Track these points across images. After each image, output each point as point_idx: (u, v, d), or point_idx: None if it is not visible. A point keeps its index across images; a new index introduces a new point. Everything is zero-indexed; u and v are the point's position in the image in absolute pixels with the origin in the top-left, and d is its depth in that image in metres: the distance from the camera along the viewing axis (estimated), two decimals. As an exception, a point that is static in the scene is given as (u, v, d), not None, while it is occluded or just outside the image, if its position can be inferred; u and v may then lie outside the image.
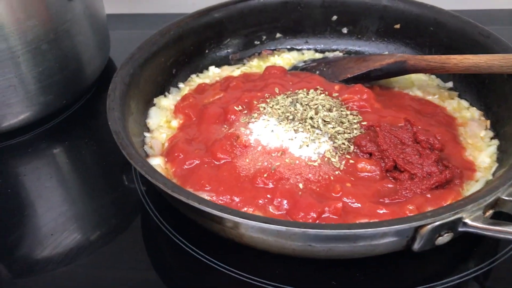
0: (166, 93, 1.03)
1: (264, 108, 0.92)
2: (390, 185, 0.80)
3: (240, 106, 0.94)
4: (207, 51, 1.11)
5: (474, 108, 0.97)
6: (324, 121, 0.87)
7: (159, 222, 0.84)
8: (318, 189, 0.79)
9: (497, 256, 0.77)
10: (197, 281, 0.77)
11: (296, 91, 0.96)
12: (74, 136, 1.04)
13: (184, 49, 1.07)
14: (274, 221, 0.64)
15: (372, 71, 0.98)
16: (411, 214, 0.73)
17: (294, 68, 1.10)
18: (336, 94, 0.96)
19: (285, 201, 0.77)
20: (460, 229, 0.67)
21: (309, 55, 1.15)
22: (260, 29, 1.15)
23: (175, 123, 0.96)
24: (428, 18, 1.06)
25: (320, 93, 0.95)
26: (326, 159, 0.83)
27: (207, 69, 1.11)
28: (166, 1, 1.46)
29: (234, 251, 0.77)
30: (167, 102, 1.00)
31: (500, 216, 0.71)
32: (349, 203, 0.77)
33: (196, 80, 1.09)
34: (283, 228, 0.63)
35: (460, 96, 1.01)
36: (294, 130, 0.86)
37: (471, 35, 0.98)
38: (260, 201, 0.78)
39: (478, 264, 0.76)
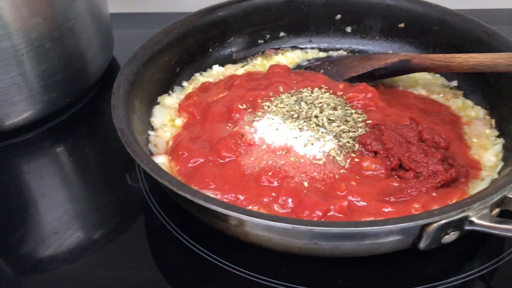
0: (170, 92, 1.03)
1: (269, 106, 0.92)
2: (395, 184, 0.80)
3: (244, 105, 0.93)
4: (211, 50, 1.11)
5: (479, 107, 0.97)
6: (329, 119, 0.87)
7: (163, 220, 0.84)
8: (323, 188, 0.79)
9: (503, 255, 0.77)
10: (201, 279, 0.76)
11: (301, 89, 0.96)
12: (77, 135, 1.04)
13: (188, 47, 1.06)
14: (280, 219, 0.64)
15: (377, 70, 0.98)
16: (417, 213, 0.73)
17: (298, 67, 1.10)
18: (341, 92, 0.96)
19: (290, 200, 0.77)
20: (466, 228, 0.67)
21: (313, 54, 1.15)
22: (264, 28, 1.15)
23: (179, 122, 0.96)
24: (432, 17, 1.05)
25: (325, 92, 0.95)
26: (331, 157, 0.83)
27: (210, 67, 1.11)
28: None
29: (239, 249, 0.77)
30: (171, 101, 1.00)
31: (506, 215, 0.70)
32: (354, 202, 0.77)
33: (200, 78, 1.08)
34: (289, 226, 0.63)
35: (464, 95, 1.01)
36: (299, 128, 0.86)
37: (476, 34, 0.98)
38: (265, 200, 0.77)
39: (483, 263, 0.76)
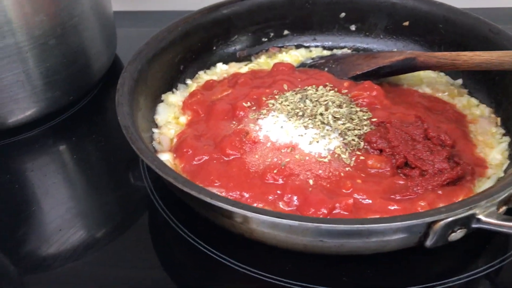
0: (174, 90, 1.03)
1: (273, 104, 0.91)
2: (401, 182, 0.79)
3: (248, 103, 0.93)
4: (214, 48, 1.11)
5: (484, 105, 0.97)
6: (334, 117, 0.87)
7: (167, 218, 0.83)
8: (328, 185, 0.79)
9: (509, 254, 0.77)
10: (205, 277, 0.76)
11: (305, 87, 0.96)
12: (81, 133, 1.04)
13: (191, 45, 1.06)
14: (286, 216, 0.64)
15: (382, 68, 0.98)
16: (423, 211, 0.72)
17: (302, 65, 1.10)
18: (345, 90, 0.96)
19: (295, 197, 0.76)
20: (473, 226, 0.66)
21: (317, 52, 1.15)
22: (267, 26, 1.15)
23: (183, 119, 0.95)
24: (437, 15, 1.05)
25: (330, 90, 0.94)
26: (336, 155, 0.82)
27: (214, 65, 1.11)
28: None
29: (244, 246, 0.76)
30: (174, 99, 1.00)
31: (512, 213, 0.70)
32: (360, 200, 0.76)
33: (203, 76, 1.08)
34: (296, 223, 0.63)
35: (469, 93, 1.00)
36: (304, 126, 0.86)
37: (481, 32, 0.97)
38: (270, 197, 0.77)
39: (489, 262, 0.76)
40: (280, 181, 0.79)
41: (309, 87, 0.95)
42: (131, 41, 1.26)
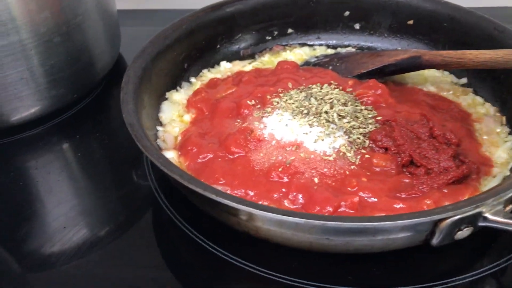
0: (178, 88, 1.02)
1: (278, 102, 0.91)
2: (406, 180, 0.79)
3: (253, 101, 0.93)
4: (218, 46, 1.11)
5: (489, 104, 0.97)
6: (339, 115, 0.86)
7: (172, 215, 0.83)
8: (333, 184, 0.78)
9: (515, 253, 0.77)
10: (211, 275, 0.76)
11: (310, 85, 0.96)
12: (84, 130, 1.04)
13: (195, 43, 1.06)
14: (293, 213, 0.64)
15: (386, 67, 0.98)
16: (430, 209, 0.72)
17: (306, 63, 1.09)
18: (350, 89, 0.95)
19: (300, 195, 0.76)
20: (480, 224, 0.66)
21: (321, 50, 1.15)
22: (271, 25, 1.14)
23: (188, 117, 0.95)
24: (442, 14, 1.05)
25: (334, 88, 0.94)
26: (341, 153, 0.82)
27: (218, 64, 1.10)
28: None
29: (250, 245, 0.76)
30: (179, 97, 1.00)
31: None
32: (365, 198, 0.76)
33: (207, 75, 1.08)
34: (302, 220, 0.62)
35: (474, 92, 1.00)
36: (309, 124, 0.85)
37: (487, 30, 0.97)
38: (275, 195, 0.77)
39: (495, 260, 0.75)
40: (285, 179, 0.79)
41: (314, 85, 0.95)
42: (134, 40, 1.25)
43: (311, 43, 1.16)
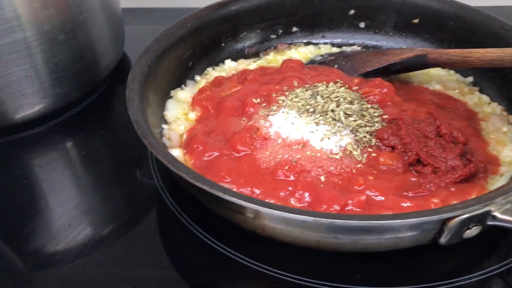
0: (183, 86, 1.02)
1: (283, 101, 0.91)
2: (413, 179, 0.79)
3: (258, 99, 0.92)
4: (223, 44, 1.10)
5: (496, 103, 0.96)
6: (346, 114, 0.86)
7: (178, 213, 0.83)
8: (340, 182, 0.78)
9: (523, 252, 0.76)
10: (217, 274, 0.76)
11: (315, 84, 0.95)
12: (89, 128, 1.04)
13: (200, 41, 1.06)
14: (301, 211, 0.63)
15: (392, 65, 0.97)
16: (438, 207, 0.72)
17: (311, 62, 1.09)
18: (356, 87, 0.95)
19: (306, 194, 0.76)
20: (489, 223, 0.66)
21: (325, 49, 1.14)
22: (276, 23, 1.14)
23: (193, 116, 0.95)
24: (447, 12, 1.05)
25: (340, 86, 0.94)
26: (347, 152, 0.82)
27: (223, 62, 1.10)
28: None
29: (256, 243, 0.76)
30: (183, 95, 0.99)
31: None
32: (372, 196, 0.76)
33: (212, 73, 1.08)
34: (310, 218, 0.62)
35: (480, 91, 1.00)
36: (315, 122, 0.85)
37: (493, 29, 0.97)
38: (281, 194, 0.76)
39: (502, 260, 0.75)
40: (292, 178, 0.78)
41: (320, 84, 0.95)
42: (138, 39, 1.26)
43: (316, 41, 1.16)
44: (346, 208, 0.73)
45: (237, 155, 0.83)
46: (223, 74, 1.07)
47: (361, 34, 1.15)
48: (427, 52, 0.94)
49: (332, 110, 0.86)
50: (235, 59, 1.11)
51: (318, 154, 0.81)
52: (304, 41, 1.16)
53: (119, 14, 1.16)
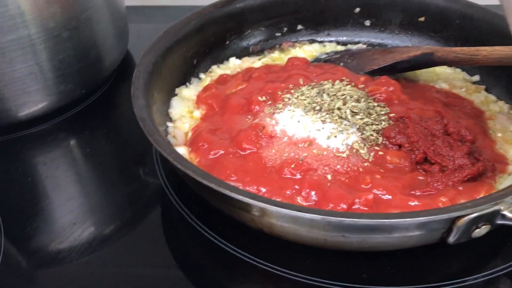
0: (187, 84, 1.02)
1: (289, 98, 0.90)
2: (420, 177, 0.78)
3: (264, 97, 0.92)
4: (228, 42, 1.10)
5: (503, 101, 0.96)
6: (352, 112, 0.85)
7: (183, 212, 0.82)
8: (347, 181, 0.77)
9: (531, 252, 0.76)
10: (222, 273, 0.75)
11: (321, 82, 0.95)
12: (93, 126, 1.03)
13: (205, 39, 1.05)
14: (309, 210, 0.63)
15: (398, 63, 0.97)
16: (448, 206, 0.71)
17: (317, 60, 1.08)
18: (362, 85, 0.94)
19: (313, 192, 0.75)
20: (498, 222, 0.65)
21: (331, 47, 1.14)
22: (281, 21, 1.14)
23: (198, 113, 0.94)
24: (454, 10, 1.04)
25: (347, 84, 0.93)
26: (354, 150, 0.81)
27: (227, 60, 1.10)
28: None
29: (262, 242, 0.75)
30: (188, 93, 0.99)
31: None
32: (380, 195, 0.75)
33: (216, 71, 1.07)
34: (318, 217, 0.61)
35: (487, 90, 0.99)
36: (322, 120, 0.84)
37: (500, 27, 0.96)
38: (288, 192, 0.76)
39: (510, 260, 0.74)
40: (298, 176, 0.78)
41: (325, 82, 0.94)
42: (142, 37, 1.26)
43: (321, 39, 1.15)
44: (353, 207, 0.73)
45: (243, 153, 0.83)
46: (228, 72, 1.06)
47: (367, 32, 1.14)
48: (434, 50, 0.94)
49: (339, 108, 0.86)
50: (239, 57, 1.11)
51: (325, 153, 0.81)
52: (309, 39, 1.15)
53: (123, 11, 1.15)
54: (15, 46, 0.89)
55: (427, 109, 0.87)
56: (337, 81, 0.94)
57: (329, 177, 0.77)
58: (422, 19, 1.09)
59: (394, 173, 0.79)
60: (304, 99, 0.89)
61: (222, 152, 0.83)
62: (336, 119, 0.84)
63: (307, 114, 0.86)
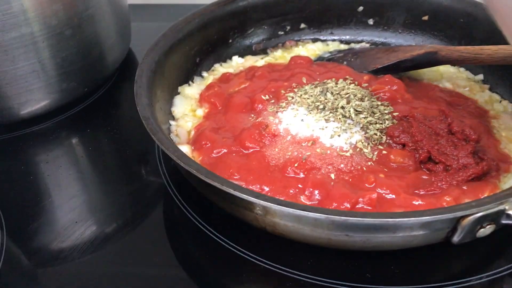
0: (190, 82, 1.01)
1: (293, 97, 0.90)
2: (424, 177, 0.78)
3: (267, 95, 0.92)
4: (230, 41, 1.10)
5: (507, 101, 0.95)
6: (356, 110, 0.85)
7: (185, 210, 0.82)
8: (350, 180, 0.77)
9: (535, 252, 0.75)
10: (225, 272, 0.75)
11: (325, 80, 0.94)
12: (95, 124, 1.03)
13: (208, 37, 1.05)
14: (314, 209, 0.62)
15: (402, 62, 0.96)
16: (452, 205, 0.70)
17: (320, 59, 1.08)
18: (366, 84, 0.94)
19: (316, 191, 0.75)
20: (503, 221, 0.64)
21: (334, 46, 1.13)
22: (284, 19, 1.13)
23: (200, 112, 0.94)
24: (458, 9, 1.04)
25: (350, 83, 0.93)
26: (358, 149, 0.81)
27: (230, 58, 1.09)
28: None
29: (265, 241, 0.75)
30: (191, 91, 0.99)
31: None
32: (383, 194, 0.75)
33: (219, 69, 1.07)
34: (323, 216, 0.61)
35: (491, 89, 0.99)
36: (325, 119, 0.84)
37: (504, 26, 0.95)
38: (291, 191, 0.75)
39: (514, 260, 0.74)
40: (301, 175, 0.77)
41: (329, 80, 0.94)
42: (145, 35, 1.25)
43: (324, 38, 1.15)
44: (357, 206, 0.73)
45: (246, 152, 0.82)
46: (231, 70, 1.06)
47: (370, 31, 1.14)
48: (438, 49, 0.93)
49: (342, 107, 0.85)
50: (242, 55, 1.10)
51: (328, 152, 0.80)
52: (312, 37, 1.15)
53: (125, 9, 1.15)
54: (18, 44, 0.89)
55: (431, 108, 0.87)
56: (341, 80, 0.93)
57: (332, 176, 0.77)
58: (426, 18, 1.08)
59: (398, 172, 0.78)
60: (308, 98, 0.88)
61: (225, 150, 0.83)
62: (339, 118, 0.84)
63: (310, 113, 0.86)
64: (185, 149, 0.84)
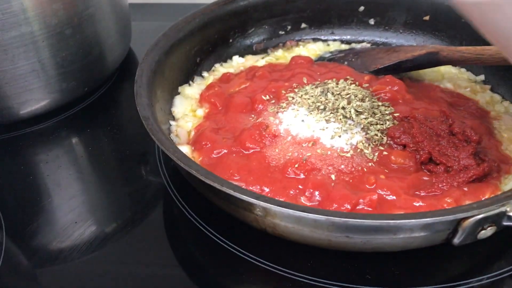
0: (190, 82, 1.01)
1: (293, 97, 0.90)
2: (425, 178, 0.77)
3: (267, 96, 0.91)
4: (231, 40, 1.09)
5: (508, 101, 0.95)
6: (357, 111, 0.85)
7: (185, 211, 0.82)
8: (351, 181, 0.77)
9: (536, 253, 0.75)
10: (225, 272, 0.74)
11: (325, 81, 0.94)
12: (95, 124, 1.03)
13: (208, 37, 1.05)
14: (314, 210, 0.62)
15: (403, 62, 0.96)
16: (453, 207, 0.70)
17: (321, 59, 1.08)
18: (366, 84, 0.94)
19: (317, 192, 0.75)
20: (504, 223, 0.64)
21: (334, 46, 1.13)
22: (285, 19, 1.13)
23: (201, 112, 0.94)
24: (459, 9, 1.03)
25: (351, 83, 0.92)
26: (358, 150, 0.80)
27: (231, 58, 1.09)
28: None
29: (265, 242, 0.75)
30: (191, 91, 0.98)
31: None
32: (384, 195, 0.74)
33: (220, 69, 1.07)
34: (323, 217, 0.61)
35: (492, 90, 0.99)
36: (326, 120, 0.84)
37: (506, 26, 0.95)
38: (291, 192, 0.75)
39: (515, 261, 0.74)
40: (302, 176, 0.77)
41: (330, 81, 0.93)
42: (145, 35, 1.25)
43: (325, 38, 1.15)
44: (357, 207, 0.72)
45: (246, 152, 0.82)
46: (231, 70, 1.06)
47: (371, 31, 1.14)
48: (439, 50, 0.93)
49: (343, 108, 0.85)
50: (243, 55, 1.10)
51: (329, 152, 0.80)
52: (313, 37, 1.15)
53: (126, 8, 1.15)
54: (18, 43, 0.89)
55: (432, 109, 0.87)
56: (341, 80, 0.93)
57: (333, 177, 0.77)
58: (427, 18, 1.08)
59: (399, 173, 0.78)
60: (308, 98, 0.88)
61: (225, 151, 0.82)
62: (340, 119, 0.84)
63: (311, 113, 0.85)
64: (185, 149, 0.84)
